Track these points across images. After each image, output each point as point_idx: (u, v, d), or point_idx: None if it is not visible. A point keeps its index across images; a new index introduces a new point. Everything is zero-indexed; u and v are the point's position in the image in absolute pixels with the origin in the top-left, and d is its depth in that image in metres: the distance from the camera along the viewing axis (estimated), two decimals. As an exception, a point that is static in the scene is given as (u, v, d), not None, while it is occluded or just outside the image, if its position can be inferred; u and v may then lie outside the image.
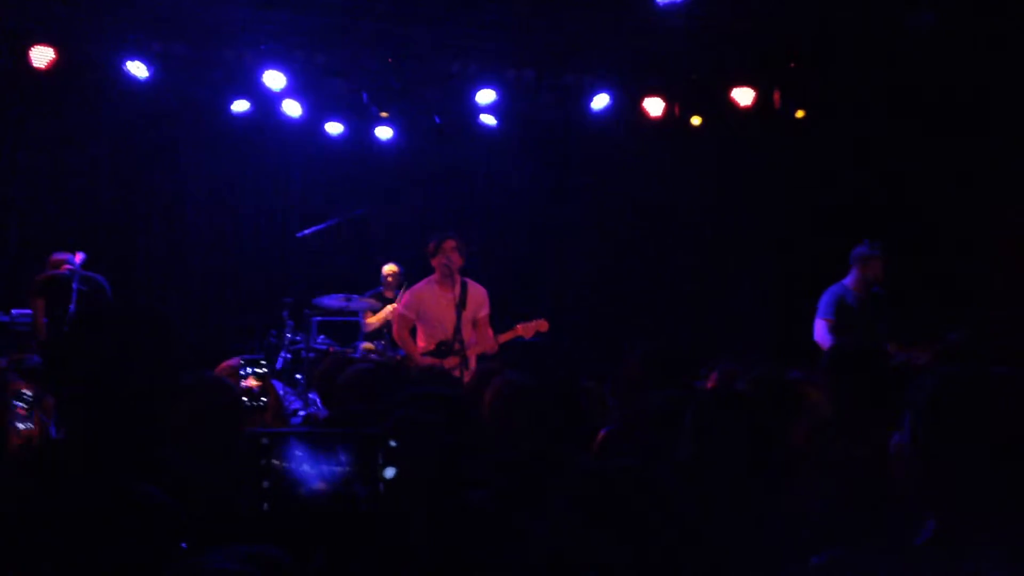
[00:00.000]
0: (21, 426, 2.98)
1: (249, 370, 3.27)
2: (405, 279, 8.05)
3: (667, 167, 9.71)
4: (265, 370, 3.33)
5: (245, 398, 3.09)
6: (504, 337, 6.49)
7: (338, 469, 1.88)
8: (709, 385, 4.09)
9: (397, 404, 2.58)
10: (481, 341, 6.42)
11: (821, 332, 6.53)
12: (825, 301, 6.56)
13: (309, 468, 1.89)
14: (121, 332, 1.99)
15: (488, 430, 3.12)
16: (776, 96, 8.77)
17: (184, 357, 2.11)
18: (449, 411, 2.65)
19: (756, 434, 2.42)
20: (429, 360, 6.06)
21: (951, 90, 7.89)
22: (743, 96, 8.73)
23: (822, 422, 3.03)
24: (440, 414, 2.49)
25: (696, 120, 9.11)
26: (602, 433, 3.57)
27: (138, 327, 2.00)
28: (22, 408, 3.01)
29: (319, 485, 1.89)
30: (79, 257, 6.76)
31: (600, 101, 8.94)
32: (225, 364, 3.92)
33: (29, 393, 3.06)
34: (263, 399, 3.51)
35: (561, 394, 3.36)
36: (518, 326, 6.54)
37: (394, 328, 6.68)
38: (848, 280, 6.59)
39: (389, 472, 1.89)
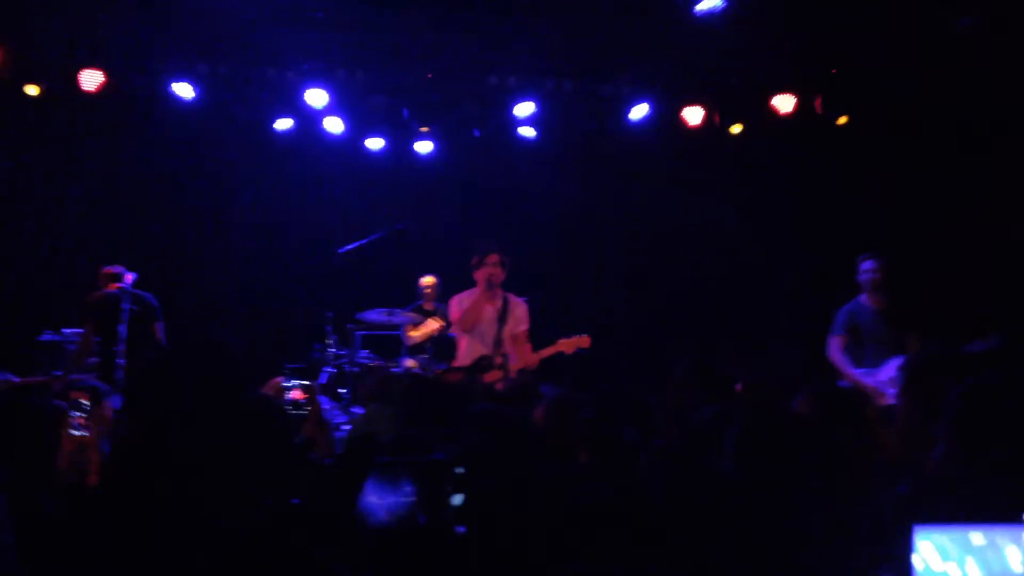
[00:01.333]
0: (76, 433, 3.10)
1: (294, 382, 3.33)
2: (442, 291, 8.11)
3: (707, 176, 9.65)
4: (308, 381, 3.38)
5: (292, 409, 3.15)
6: (546, 352, 6.48)
7: (403, 500, 1.87)
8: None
9: (463, 425, 2.58)
10: (520, 356, 6.44)
11: (833, 349, 6.57)
12: (838, 318, 6.61)
13: (377, 499, 1.88)
14: (200, 366, 2.05)
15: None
16: (818, 103, 8.68)
17: (250, 384, 2.16)
18: (516, 432, 2.65)
19: (808, 449, 2.40)
20: (458, 375, 6.06)
21: (993, 97, 7.77)
22: (784, 103, 8.67)
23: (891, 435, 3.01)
24: (508, 435, 2.49)
25: (736, 128, 9.05)
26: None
27: (215, 361, 2.05)
28: (81, 417, 3.12)
29: (385, 517, 1.87)
30: (130, 277, 6.87)
31: (639, 111, 8.92)
32: (272, 382, 4.00)
33: (86, 403, 3.17)
34: (307, 409, 3.56)
35: (615, 409, 3.36)
36: (560, 341, 6.52)
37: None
38: (863, 297, 6.61)
39: (457, 499, 1.86)
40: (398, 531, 1.93)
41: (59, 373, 6.63)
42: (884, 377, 6.24)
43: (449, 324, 7.77)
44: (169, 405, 2.06)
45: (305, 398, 2.69)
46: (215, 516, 1.89)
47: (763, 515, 2.21)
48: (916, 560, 1.77)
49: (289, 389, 2.86)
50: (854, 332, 6.50)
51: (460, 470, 1.92)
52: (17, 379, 5.70)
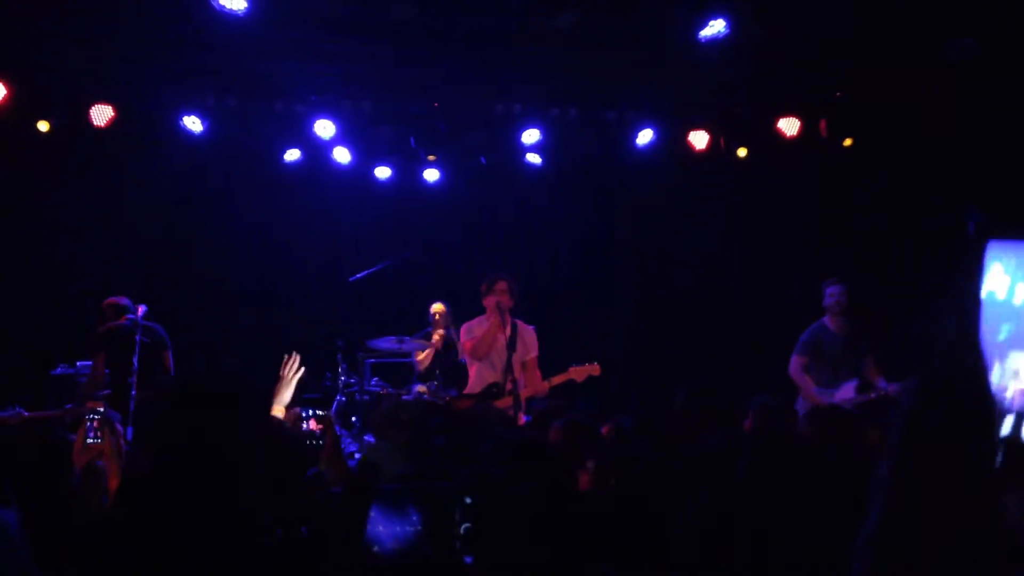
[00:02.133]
0: (91, 440, 3.14)
1: (310, 412, 3.35)
2: (452, 318, 8.13)
3: (714, 200, 9.68)
4: (323, 412, 3.40)
5: (308, 440, 3.17)
6: (557, 380, 6.48)
7: (410, 529, 1.87)
8: (748, 422, 4.07)
9: (478, 457, 2.57)
10: (530, 383, 6.45)
11: (794, 368, 6.93)
12: (801, 338, 6.96)
13: (384, 528, 1.88)
14: (216, 405, 2.07)
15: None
16: (822, 125, 8.71)
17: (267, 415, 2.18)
18: (536, 459, 2.65)
19: (812, 472, 2.41)
20: (468, 402, 6.06)
21: (994, 117, 7.80)
22: (789, 126, 8.70)
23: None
24: (525, 463, 2.50)
25: (742, 152, 9.09)
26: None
27: (232, 400, 2.07)
28: (96, 420, 3.17)
29: (393, 545, 1.87)
30: (141, 309, 6.90)
31: (644, 136, 8.97)
32: (289, 412, 4.02)
33: (101, 410, 3.22)
34: (322, 440, 3.58)
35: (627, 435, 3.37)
36: (571, 369, 6.52)
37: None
38: (826, 318, 6.95)
39: (465, 528, 1.85)
40: (405, 560, 1.92)
41: (70, 406, 6.65)
42: (840, 397, 6.63)
43: (449, 340, 7.80)
44: (185, 434, 2.07)
45: (321, 429, 2.71)
46: (225, 547, 1.90)
47: (773, 541, 2.21)
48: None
49: (306, 419, 2.88)
50: (816, 353, 6.86)
51: (468, 500, 1.91)
52: (28, 413, 5.73)
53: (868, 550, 1.13)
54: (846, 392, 6.69)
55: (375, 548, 1.90)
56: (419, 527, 1.88)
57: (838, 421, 3.31)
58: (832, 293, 6.91)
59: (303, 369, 3.69)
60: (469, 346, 6.58)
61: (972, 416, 1.32)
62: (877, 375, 6.75)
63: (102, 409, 3.09)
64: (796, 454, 2.40)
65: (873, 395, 6.52)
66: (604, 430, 3.86)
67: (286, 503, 2.41)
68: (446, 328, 8.36)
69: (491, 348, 6.48)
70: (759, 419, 3.86)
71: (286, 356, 3.78)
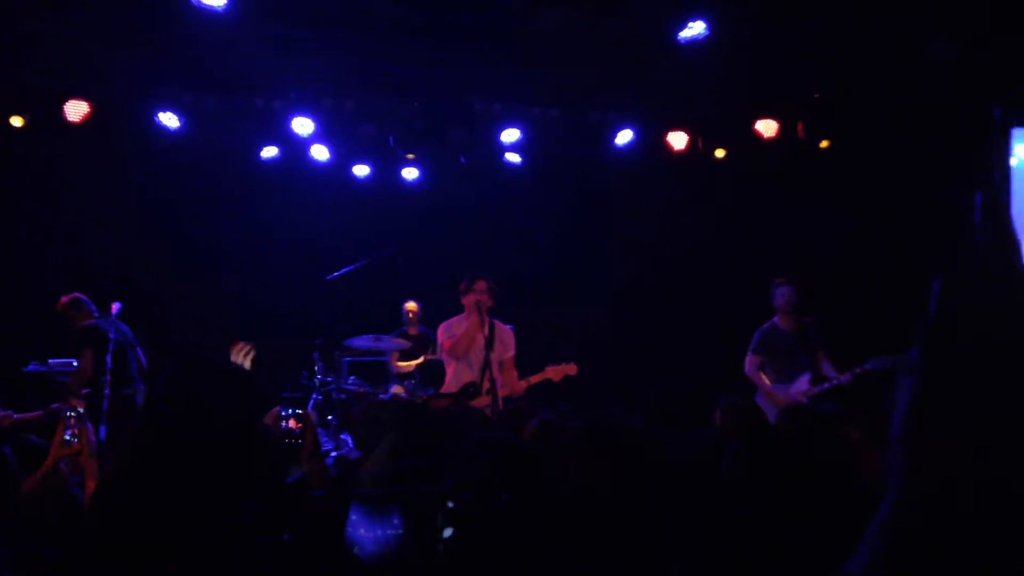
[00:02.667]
0: (68, 437, 3.12)
1: (289, 411, 3.31)
2: (425, 316, 8.13)
3: (692, 201, 9.72)
4: (303, 411, 3.36)
5: (286, 439, 3.14)
6: (534, 379, 6.49)
7: (391, 532, 1.85)
8: (717, 421, 4.09)
9: (459, 457, 2.55)
10: (507, 383, 6.44)
11: (749, 366, 7.27)
12: (755, 337, 7.31)
13: (365, 531, 1.86)
14: (216, 391, 2.04)
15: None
16: (800, 127, 8.78)
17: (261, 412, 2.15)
18: (515, 461, 2.64)
19: (799, 472, 2.41)
20: (445, 401, 6.04)
21: (974, 118, 7.88)
22: (767, 128, 8.76)
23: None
24: (505, 466, 2.48)
25: (720, 153, 9.13)
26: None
27: (229, 387, 2.05)
28: (73, 418, 3.14)
29: (374, 549, 1.85)
30: (115, 307, 6.84)
31: (624, 136, 8.99)
32: (271, 411, 3.98)
33: (81, 409, 3.20)
34: (301, 440, 3.54)
35: (601, 433, 3.35)
36: (548, 369, 6.54)
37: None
38: (776, 318, 7.31)
39: (448, 533, 1.84)
40: (386, 564, 1.90)
41: (57, 405, 6.57)
42: (795, 390, 6.96)
43: (434, 350, 7.77)
44: (181, 430, 2.04)
45: (299, 427, 2.68)
46: (204, 551, 1.88)
47: (758, 535, 2.22)
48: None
49: (286, 418, 2.84)
50: (769, 351, 7.20)
51: (451, 504, 1.89)
52: (16, 415, 5.69)
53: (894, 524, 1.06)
54: (800, 385, 6.95)
55: (356, 552, 1.88)
56: (401, 531, 1.86)
57: (819, 420, 3.32)
58: (782, 293, 7.24)
59: (253, 354, 3.64)
60: (448, 345, 6.56)
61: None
62: (829, 368, 7.01)
63: (82, 410, 3.05)
64: (781, 454, 2.40)
65: (827, 385, 6.74)
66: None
67: (266, 506, 2.38)
68: (419, 328, 8.37)
69: (469, 347, 6.47)
70: (729, 420, 3.87)
71: (238, 343, 3.72)
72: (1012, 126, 8.14)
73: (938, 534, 1.04)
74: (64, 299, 7.08)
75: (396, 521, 1.87)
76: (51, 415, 5.98)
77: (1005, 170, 8.00)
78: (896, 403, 1.08)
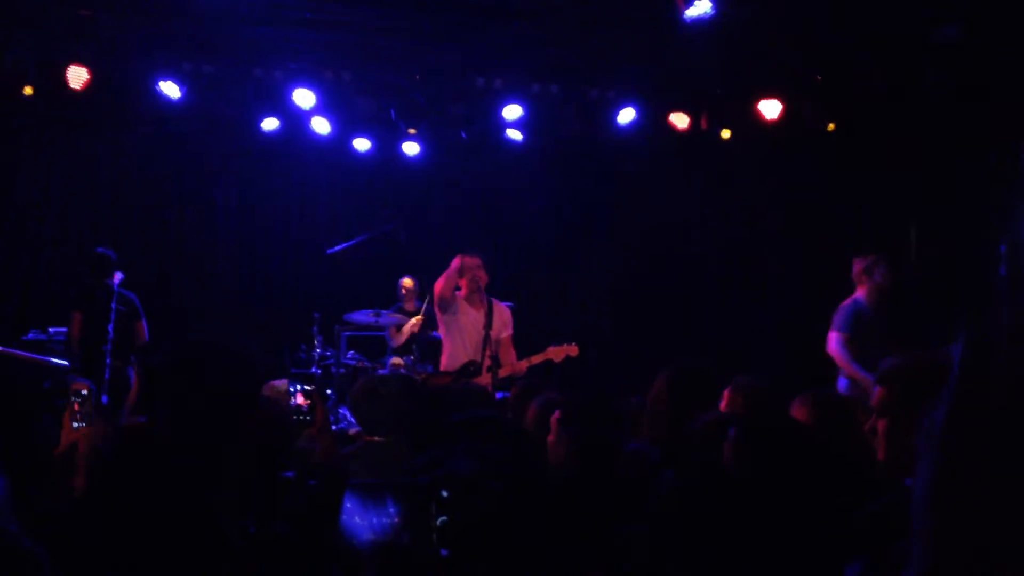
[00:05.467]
0: (75, 424, 3.06)
1: (298, 387, 3.24)
2: (423, 292, 8.14)
3: (693, 181, 9.72)
4: (311, 387, 3.29)
5: (295, 416, 3.11)
6: (535, 359, 6.50)
7: (387, 520, 1.84)
8: (724, 400, 4.07)
9: (450, 432, 2.56)
10: (506, 362, 6.45)
11: (834, 344, 6.58)
12: (840, 314, 6.64)
13: (359, 520, 1.85)
14: (215, 368, 2.05)
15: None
16: (804, 108, 8.75)
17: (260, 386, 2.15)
18: (509, 440, 2.64)
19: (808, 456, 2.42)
20: (444, 379, 6.04)
21: (978, 102, 7.85)
22: (770, 109, 8.73)
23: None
24: (499, 445, 2.49)
25: (725, 133, 9.11)
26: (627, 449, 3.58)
27: (230, 363, 2.05)
28: (77, 403, 3.09)
29: (369, 537, 1.84)
30: (117, 276, 6.84)
31: (626, 115, 8.95)
32: (274, 384, 3.98)
33: (85, 392, 3.14)
34: (309, 416, 3.49)
35: (603, 412, 3.36)
36: (549, 349, 6.55)
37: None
38: (859, 294, 6.65)
39: (441, 521, 1.82)
40: (382, 553, 1.90)
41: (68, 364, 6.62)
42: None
43: (429, 321, 7.76)
44: (173, 406, 2.05)
45: (308, 404, 2.65)
46: (197, 538, 1.88)
47: (762, 522, 2.23)
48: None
49: (293, 394, 2.79)
50: (854, 329, 6.53)
51: (445, 494, 1.88)
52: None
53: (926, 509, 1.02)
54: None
55: (352, 541, 1.87)
56: (396, 519, 1.86)
57: (832, 405, 3.32)
58: (881, 272, 6.63)
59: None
60: (438, 288, 6.51)
61: None
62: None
63: (86, 392, 3.01)
64: (798, 445, 2.40)
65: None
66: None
67: (266, 490, 2.37)
68: (416, 303, 8.38)
69: (464, 324, 6.48)
70: (750, 404, 3.82)
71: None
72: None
73: None
74: (99, 250, 7.10)
75: (392, 510, 1.86)
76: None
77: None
78: (919, 469, 1.06)
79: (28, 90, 7.84)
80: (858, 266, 6.67)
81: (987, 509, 0.98)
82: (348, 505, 1.93)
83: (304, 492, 2.19)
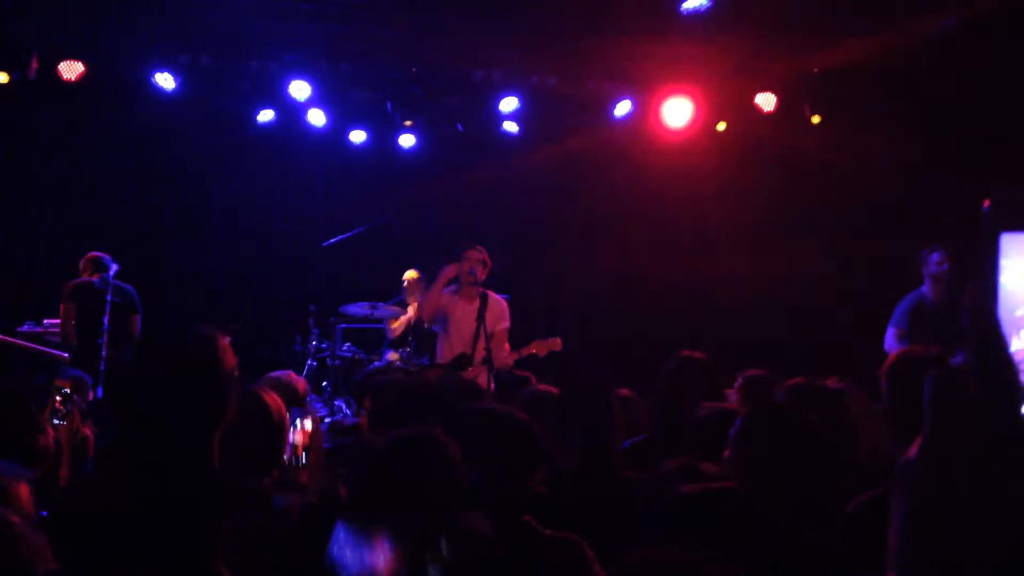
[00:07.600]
0: (56, 422, 3.04)
1: (298, 424, 2.98)
2: (426, 285, 8.11)
3: (690, 173, 9.68)
4: (309, 419, 3.07)
5: (287, 457, 2.97)
6: (522, 352, 6.52)
7: (380, 561, 1.76)
8: (734, 392, 4.09)
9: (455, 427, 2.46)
10: (497, 355, 6.43)
11: (890, 340, 6.44)
12: (899, 309, 6.50)
13: (351, 553, 1.79)
14: (183, 363, 2.02)
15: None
16: (800, 101, 8.73)
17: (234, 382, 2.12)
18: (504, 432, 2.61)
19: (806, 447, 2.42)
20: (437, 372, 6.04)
21: (975, 95, 7.83)
22: (766, 101, 8.71)
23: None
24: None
25: (721, 126, 9.09)
26: (627, 444, 3.58)
27: (198, 357, 2.03)
28: (59, 403, 3.07)
29: (360, 572, 1.77)
30: (113, 268, 6.83)
31: (622, 107, 8.94)
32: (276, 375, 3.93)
33: (68, 390, 3.12)
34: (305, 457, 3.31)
35: (591, 404, 3.36)
36: (533, 343, 6.56)
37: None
38: (925, 288, 6.50)
39: (435, 572, 1.77)
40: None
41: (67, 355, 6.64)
42: None
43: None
44: (147, 411, 2.02)
45: (307, 444, 2.56)
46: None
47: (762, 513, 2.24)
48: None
49: (294, 429, 2.60)
50: (913, 324, 6.38)
51: (443, 546, 1.81)
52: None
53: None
54: None
55: (339, 574, 1.81)
56: (388, 555, 1.79)
57: (820, 396, 3.33)
58: (936, 260, 6.45)
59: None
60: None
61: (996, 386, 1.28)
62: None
63: (68, 391, 2.98)
64: (799, 436, 2.41)
65: None
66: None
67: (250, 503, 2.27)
68: (418, 297, 8.35)
69: (457, 317, 6.48)
70: (757, 396, 3.82)
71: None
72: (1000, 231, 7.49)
73: None
74: (90, 254, 7.12)
75: (385, 545, 1.79)
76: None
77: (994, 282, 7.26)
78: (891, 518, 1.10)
79: (3, 77, 7.78)
80: (922, 258, 6.49)
81: (961, 540, 1.04)
82: (342, 536, 1.87)
83: (293, 521, 2.14)
